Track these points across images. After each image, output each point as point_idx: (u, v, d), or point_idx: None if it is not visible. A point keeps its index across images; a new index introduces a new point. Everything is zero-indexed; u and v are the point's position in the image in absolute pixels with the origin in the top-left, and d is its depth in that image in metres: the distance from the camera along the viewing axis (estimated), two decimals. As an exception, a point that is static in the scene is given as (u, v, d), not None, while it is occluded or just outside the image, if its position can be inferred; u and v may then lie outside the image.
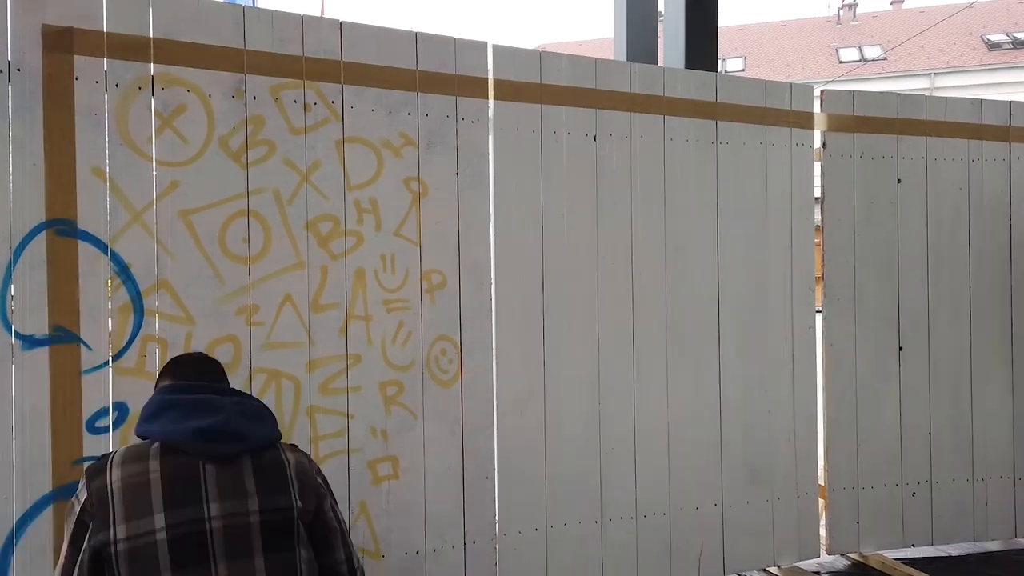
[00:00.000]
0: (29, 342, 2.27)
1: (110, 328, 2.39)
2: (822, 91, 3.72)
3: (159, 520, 1.57)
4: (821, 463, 3.71)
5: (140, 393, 2.38)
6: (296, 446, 1.85)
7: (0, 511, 2.23)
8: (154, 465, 1.62)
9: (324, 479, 1.83)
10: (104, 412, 2.35)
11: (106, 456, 1.66)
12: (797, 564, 3.62)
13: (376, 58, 2.77)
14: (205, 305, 2.50)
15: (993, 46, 27.22)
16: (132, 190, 2.40)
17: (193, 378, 1.80)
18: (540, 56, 3.08)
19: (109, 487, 1.60)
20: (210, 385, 1.79)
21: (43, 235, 2.28)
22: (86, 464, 1.70)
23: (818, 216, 3.63)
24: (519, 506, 3.04)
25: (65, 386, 2.30)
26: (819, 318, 3.64)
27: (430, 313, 2.86)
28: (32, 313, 2.27)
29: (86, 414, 2.32)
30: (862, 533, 3.72)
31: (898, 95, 3.82)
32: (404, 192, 2.82)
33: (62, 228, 2.31)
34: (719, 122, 3.42)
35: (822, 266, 3.67)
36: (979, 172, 3.88)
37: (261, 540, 1.63)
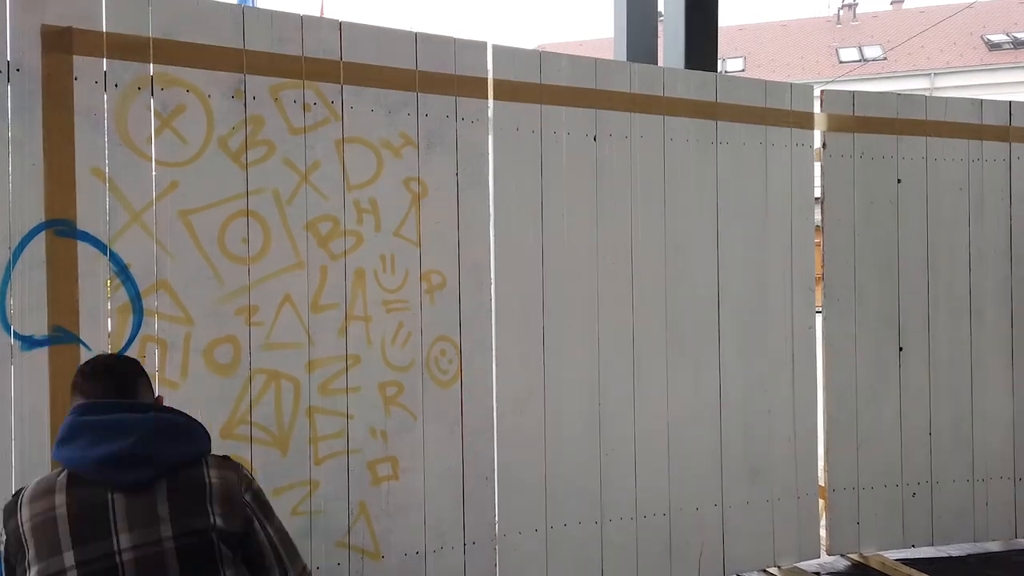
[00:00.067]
0: (28, 343, 2.26)
1: (109, 328, 2.38)
2: (822, 91, 3.72)
3: (68, 558, 1.52)
4: (821, 463, 3.70)
5: (139, 394, 2.38)
6: (227, 459, 1.75)
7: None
8: (60, 500, 1.56)
9: (256, 495, 1.74)
10: (103, 413, 2.34)
11: (19, 493, 1.62)
12: (797, 565, 3.61)
13: (376, 58, 2.76)
14: (204, 305, 2.50)
15: (993, 46, 27.22)
16: (131, 190, 2.40)
17: (104, 394, 1.68)
18: (540, 56, 3.07)
19: (21, 527, 1.56)
20: (123, 401, 1.68)
21: (42, 235, 2.28)
22: (1, 504, 1.67)
23: (818, 216, 3.63)
24: (519, 507, 3.04)
25: (65, 387, 2.28)
26: (819, 318, 3.64)
27: (430, 313, 2.86)
28: (31, 313, 2.27)
29: (85, 415, 2.32)
30: (862, 534, 3.71)
31: (898, 95, 3.82)
32: (404, 192, 2.82)
33: (61, 228, 2.30)
34: (719, 122, 3.42)
35: (822, 266, 3.67)
36: (979, 172, 3.88)
37: (178, 567, 1.57)
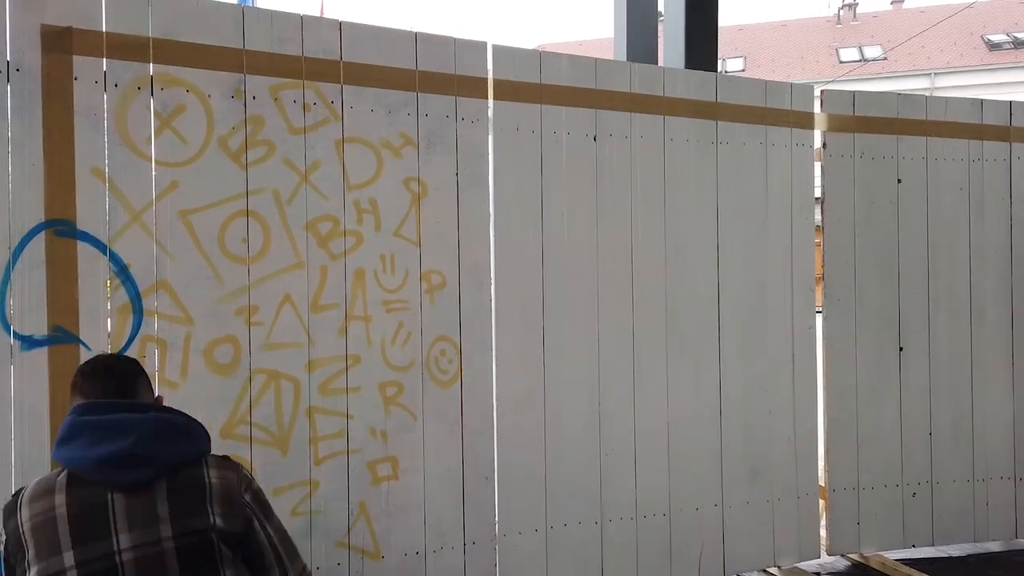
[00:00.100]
0: (28, 342, 2.26)
1: (109, 328, 2.38)
2: (822, 91, 3.72)
3: (68, 558, 1.53)
4: (821, 464, 3.70)
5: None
6: (227, 459, 1.76)
7: (-1, 512, 2.23)
8: (60, 500, 1.56)
9: (256, 495, 1.74)
10: (103, 413, 2.34)
11: (19, 493, 1.63)
12: (797, 565, 3.61)
13: (376, 58, 2.76)
14: (204, 305, 2.50)
15: (993, 46, 27.22)
16: (131, 190, 2.40)
17: (104, 394, 1.69)
18: (540, 56, 3.07)
19: (21, 527, 1.57)
20: (123, 401, 1.68)
21: (42, 235, 2.28)
22: (1, 504, 1.67)
23: (818, 216, 3.63)
24: (519, 507, 3.04)
25: (64, 386, 2.28)
26: (819, 318, 3.64)
27: (430, 313, 2.86)
28: (31, 313, 2.27)
29: (85, 415, 2.32)
30: (862, 534, 3.71)
31: (898, 95, 3.82)
32: (404, 192, 2.82)
33: (61, 228, 2.30)
34: (719, 122, 3.42)
35: (822, 266, 3.67)
36: (979, 172, 3.88)
37: (178, 567, 1.57)
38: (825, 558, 3.72)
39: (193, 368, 2.47)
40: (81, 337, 2.31)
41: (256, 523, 1.72)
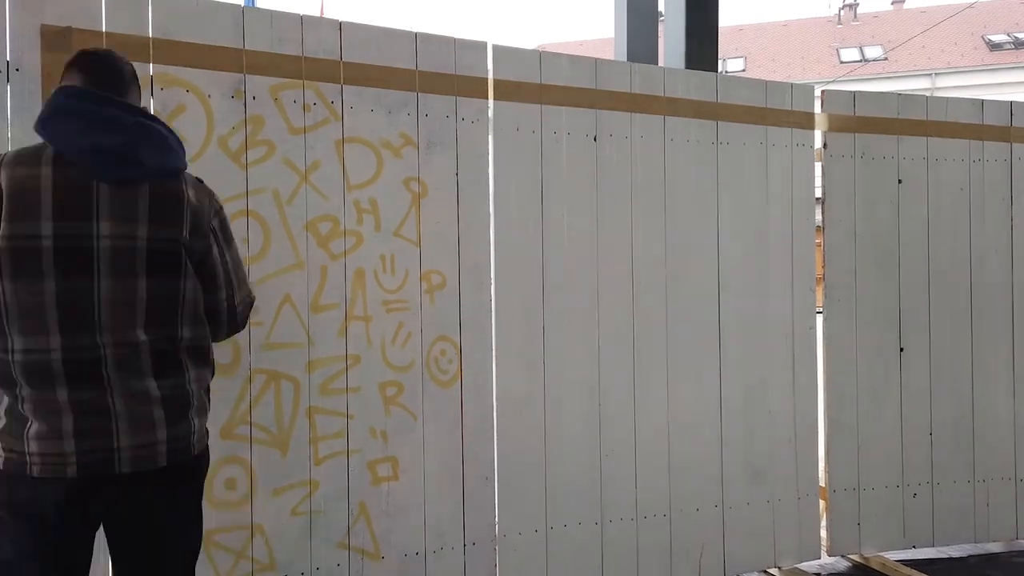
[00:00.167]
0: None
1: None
2: (823, 91, 3.72)
3: (47, 227, 1.59)
4: (822, 464, 3.70)
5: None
6: (201, 181, 1.85)
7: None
8: (46, 172, 1.61)
9: (222, 222, 1.87)
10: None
11: None
12: (798, 566, 3.61)
13: (376, 58, 2.76)
14: (204, 306, 2.49)
15: (994, 46, 27.21)
16: (131, 190, 2.39)
17: (102, 85, 1.72)
18: (540, 56, 3.07)
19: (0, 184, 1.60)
20: (116, 99, 1.71)
21: (42, 235, 2.27)
22: None
23: (818, 216, 3.63)
24: (519, 507, 3.04)
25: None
26: (820, 319, 3.64)
27: (430, 313, 2.86)
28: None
29: (85, 415, 2.31)
30: (863, 534, 3.71)
31: (899, 95, 3.81)
32: (404, 192, 2.82)
33: (61, 228, 2.30)
34: (719, 122, 3.41)
35: (823, 266, 3.66)
36: (980, 173, 3.87)
37: (147, 265, 1.67)
38: (825, 559, 3.72)
39: (193, 368, 2.47)
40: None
41: (216, 248, 1.84)
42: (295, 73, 2.63)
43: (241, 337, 2.53)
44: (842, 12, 31.96)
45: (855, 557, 3.78)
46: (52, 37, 2.28)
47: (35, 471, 1.59)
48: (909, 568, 3.61)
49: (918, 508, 3.79)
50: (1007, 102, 3.98)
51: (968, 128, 3.84)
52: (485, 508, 2.97)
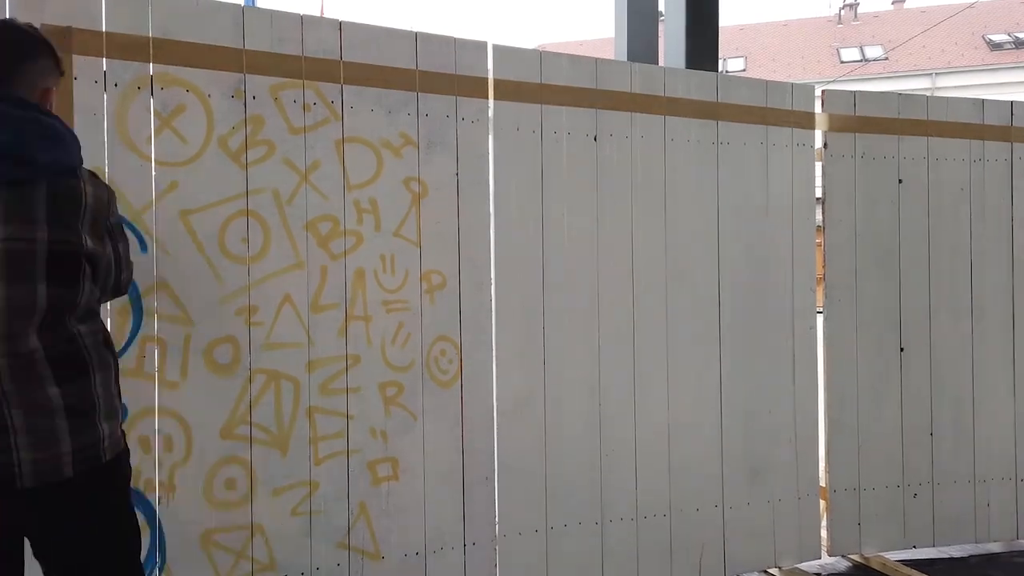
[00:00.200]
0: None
1: (109, 328, 2.37)
2: (823, 91, 3.71)
3: None
4: (822, 464, 3.70)
5: (139, 394, 2.38)
6: (97, 176, 1.77)
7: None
8: None
9: (115, 213, 1.82)
10: (103, 413, 2.34)
11: None
12: (798, 566, 3.61)
13: (376, 58, 2.76)
14: (204, 305, 2.49)
15: (995, 46, 27.20)
16: (131, 190, 2.39)
17: None
18: (540, 56, 3.07)
19: None
20: (3, 91, 1.60)
21: (42, 235, 2.27)
22: None
23: (819, 216, 3.63)
24: (519, 507, 3.03)
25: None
26: (820, 319, 3.64)
27: (430, 313, 2.86)
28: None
29: (85, 415, 2.31)
30: (863, 534, 3.71)
31: (899, 95, 3.81)
32: (404, 192, 2.82)
33: (61, 228, 2.29)
34: (720, 122, 3.41)
35: (823, 267, 3.66)
36: (981, 172, 3.87)
37: (46, 268, 1.59)
38: (826, 559, 3.72)
39: (193, 368, 2.47)
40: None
41: (110, 245, 1.78)
42: (295, 73, 2.63)
43: (241, 337, 2.53)
44: (842, 12, 31.96)
45: (855, 557, 3.77)
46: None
47: None
48: (910, 568, 3.61)
49: (918, 508, 3.79)
50: (1007, 102, 3.97)
51: (969, 128, 3.84)
52: (485, 508, 2.97)
